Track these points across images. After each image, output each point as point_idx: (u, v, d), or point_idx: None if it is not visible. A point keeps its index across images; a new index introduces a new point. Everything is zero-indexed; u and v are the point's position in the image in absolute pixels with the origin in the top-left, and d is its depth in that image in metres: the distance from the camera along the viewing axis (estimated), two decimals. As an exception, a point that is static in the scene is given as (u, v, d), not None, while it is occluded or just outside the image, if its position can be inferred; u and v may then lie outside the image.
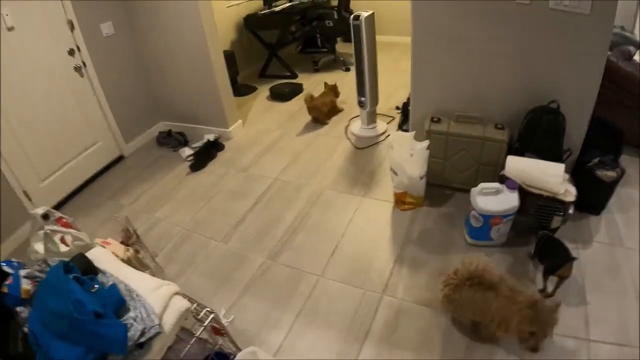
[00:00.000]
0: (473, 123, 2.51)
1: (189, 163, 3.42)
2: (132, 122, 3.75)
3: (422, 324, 1.93)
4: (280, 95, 4.56)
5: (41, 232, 1.82)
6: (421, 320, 1.95)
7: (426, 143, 2.42)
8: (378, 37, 3.22)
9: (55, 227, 1.78)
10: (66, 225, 1.93)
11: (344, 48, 5.85)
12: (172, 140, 3.76)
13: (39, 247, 1.78)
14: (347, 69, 5.22)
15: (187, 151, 3.56)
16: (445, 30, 2.43)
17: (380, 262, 2.28)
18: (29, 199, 2.83)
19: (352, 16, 3.05)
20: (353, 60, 5.44)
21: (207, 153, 3.49)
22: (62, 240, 1.82)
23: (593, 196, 2.37)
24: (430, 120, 2.58)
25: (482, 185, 2.19)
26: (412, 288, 2.11)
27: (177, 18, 3.28)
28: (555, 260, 1.90)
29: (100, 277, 1.47)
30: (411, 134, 2.53)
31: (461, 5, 2.31)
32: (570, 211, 2.13)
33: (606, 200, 2.42)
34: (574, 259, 1.86)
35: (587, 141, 2.46)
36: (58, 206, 3.05)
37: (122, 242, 2.17)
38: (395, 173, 2.52)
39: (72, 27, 3.03)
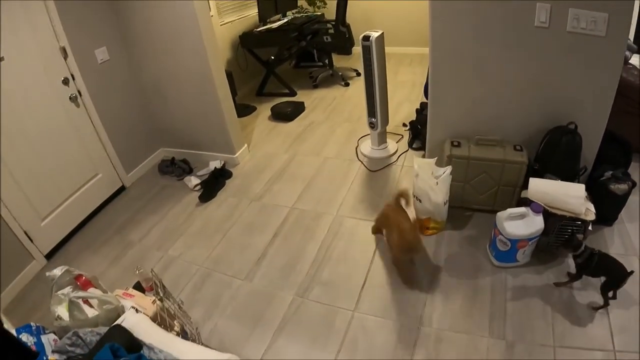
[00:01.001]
0: (493, 145, 2.50)
1: (196, 193, 3.34)
2: (132, 151, 3.66)
3: (461, 352, 1.91)
4: (283, 115, 4.49)
5: (61, 293, 1.73)
6: (460, 348, 1.93)
7: (449, 169, 2.40)
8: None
9: (80, 294, 1.67)
10: (87, 283, 1.83)
11: (339, 61, 5.83)
12: (175, 169, 3.67)
13: (62, 311, 1.68)
14: (347, 84, 5.20)
15: (193, 180, 3.47)
16: (465, 53, 2.43)
17: (412, 292, 2.24)
18: (31, 240, 2.72)
19: (361, 37, 3.01)
20: (352, 74, 5.57)
21: (216, 182, 3.40)
22: (86, 302, 1.74)
23: (606, 209, 2.39)
24: (450, 145, 2.56)
25: (509, 210, 2.19)
26: (446, 316, 2.09)
27: (175, 39, 3.16)
28: (616, 274, 1.91)
29: (146, 352, 1.37)
30: (433, 160, 2.51)
31: (481, 28, 2.32)
32: (590, 228, 2.17)
33: (618, 212, 2.47)
34: (631, 272, 1.87)
35: (598, 155, 2.51)
36: (61, 244, 2.96)
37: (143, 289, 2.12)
38: (419, 200, 2.49)
39: (65, 55, 2.91)
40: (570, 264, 2.22)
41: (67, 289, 1.79)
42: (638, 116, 2.84)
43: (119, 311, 1.70)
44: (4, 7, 2.47)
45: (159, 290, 1.90)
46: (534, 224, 2.12)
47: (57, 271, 1.80)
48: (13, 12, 2.54)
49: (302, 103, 4.72)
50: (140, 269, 2.10)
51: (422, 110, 3.74)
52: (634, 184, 2.35)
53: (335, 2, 4.94)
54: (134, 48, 3.40)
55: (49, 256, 2.87)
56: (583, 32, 2.12)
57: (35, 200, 2.77)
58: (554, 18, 2.14)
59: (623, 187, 2.33)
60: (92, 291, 1.79)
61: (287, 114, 4.47)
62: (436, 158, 2.55)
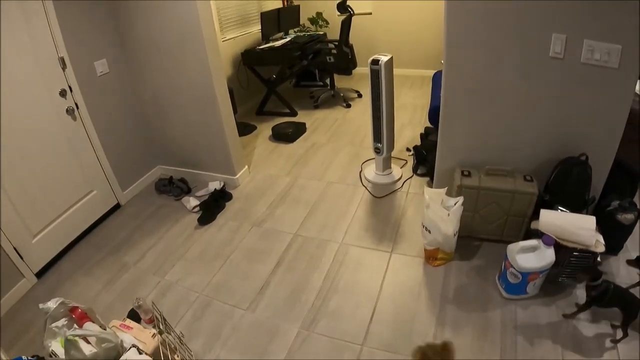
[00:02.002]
0: (503, 175, 2.47)
1: (195, 215, 3.25)
2: (128, 168, 3.57)
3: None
4: (284, 136, 4.42)
5: (55, 326, 1.65)
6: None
7: (461, 200, 2.35)
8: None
9: (77, 332, 1.57)
10: (83, 316, 1.73)
11: (340, 82, 5.82)
12: (173, 188, 3.59)
13: (56, 347, 1.59)
14: (348, 105, 5.16)
15: (192, 201, 3.38)
16: (479, 81, 2.40)
17: (422, 325, 2.17)
18: (21, 257, 2.61)
19: (370, 60, 2.97)
20: (353, 95, 5.55)
21: (215, 204, 3.31)
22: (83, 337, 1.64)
23: (613, 238, 2.37)
24: (461, 174, 2.52)
25: (521, 243, 2.17)
26: (458, 351, 1.96)
27: (178, 51, 3.09)
28: (633, 308, 1.89)
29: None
30: (443, 190, 2.46)
31: (496, 58, 2.30)
32: (599, 259, 2.18)
33: (624, 241, 2.47)
34: None
35: (605, 184, 2.50)
36: (53, 262, 2.86)
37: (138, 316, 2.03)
38: (429, 231, 2.43)
39: (64, 65, 2.84)
40: (579, 295, 2.21)
41: (62, 321, 1.71)
42: (635, 142, 2.78)
43: (119, 349, 1.61)
44: (3, 10, 2.40)
45: (160, 324, 1.81)
46: (545, 256, 2.09)
47: (52, 304, 1.70)
48: (13, 17, 2.47)
49: (304, 124, 4.66)
50: (140, 300, 2.02)
51: (427, 136, 3.71)
52: None
53: (339, 22, 4.93)
54: (134, 61, 3.33)
55: (40, 274, 2.77)
56: (597, 63, 2.11)
57: (27, 215, 2.67)
58: (568, 49, 2.13)
59: (630, 217, 2.31)
60: (89, 326, 1.69)
61: (288, 134, 4.41)
62: (446, 188, 2.50)
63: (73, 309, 1.76)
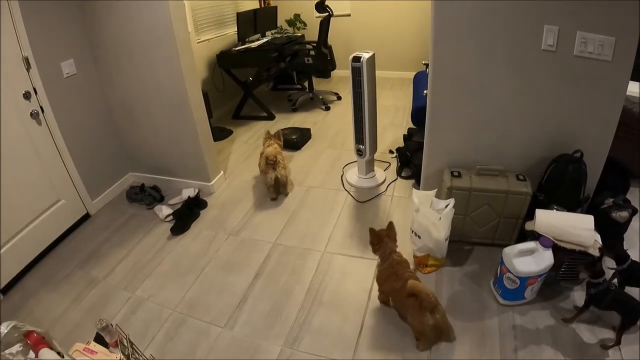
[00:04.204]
0: (495, 175, 2.35)
1: (168, 224, 3.05)
2: (98, 175, 3.36)
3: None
4: (289, 143, 4.07)
5: (9, 353, 1.47)
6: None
7: (452, 202, 2.21)
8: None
9: None
10: (38, 342, 1.54)
11: (319, 84, 5.71)
12: (145, 196, 3.37)
13: (9, 374, 1.41)
14: (327, 108, 5.03)
15: (164, 210, 3.18)
16: (467, 77, 2.29)
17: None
18: None
19: (351, 57, 2.82)
20: (332, 97, 5.42)
21: (189, 212, 3.11)
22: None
23: (607, 236, 2.26)
24: (450, 175, 2.38)
25: (518, 246, 2.05)
26: None
27: (149, 52, 2.91)
28: (634, 313, 1.82)
29: None
30: (432, 192, 2.33)
31: (486, 52, 2.18)
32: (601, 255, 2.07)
33: (619, 239, 2.38)
34: None
35: (598, 181, 2.45)
36: (18, 278, 2.63)
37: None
38: (418, 236, 2.28)
39: (28, 66, 2.63)
40: (577, 298, 2.14)
41: (17, 347, 1.53)
42: (630, 141, 2.83)
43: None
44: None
45: (126, 348, 1.62)
46: (543, 259, 1.98)
47: (3, 328, 1.51)
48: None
49: (309, 130, 4.38)
50: (103, 322, 1.82)
51: (410, 137, 3.59)
52: (634, 211, 2.28)
53: (317, 24, 4.81)
54: (103, 62, 3.14)
55: (4, 291, 2.55)
56: (590, 56, 2.05)
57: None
58: (561, 41, 2.05)
59: (624, 214, 2.25)
60: (45, 354, 1.50)
61: (294, 142, 4.11)
62: (436, 190, 2.37)
63: (28, 334, 1.59)
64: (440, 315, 1.87)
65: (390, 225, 2.15)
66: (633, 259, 1.98)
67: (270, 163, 3.12)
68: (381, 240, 2.11)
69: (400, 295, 1.92)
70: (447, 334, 2.00)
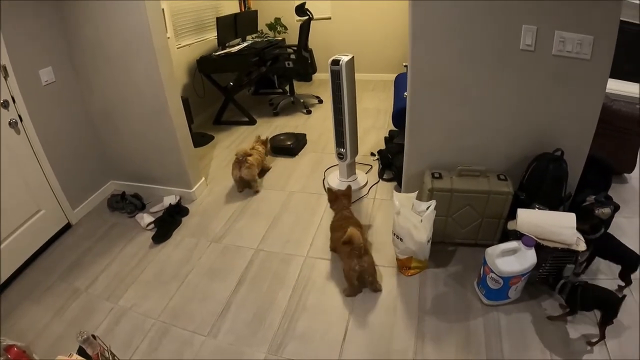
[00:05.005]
0: (476, 176, 2.36)
1: (150, 232, 3.01)
2: (79, 184, 3.30)
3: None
4: (285, 149, 4.06)
5: None
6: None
7: (433, 204, 2.21)
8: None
9: None
10: (19, 356, 1.53)
11: (300, 88, 5.70)
12: (127, 205, 3.33)
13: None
14: (309, 111, 5.02)
15: (145, 218, 3.14)
16: (446, 78, 2.30)
17: (400, 341, 2.01)
18: None
19: (330, 60, 2.82)
20: (314, 101, 5.42)
21: (171, 220, 3.07)
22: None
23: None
24: (431, 177, 2.39)
25: (501, 246, 2.05)
26: None
27: (127, 59, 2.87)
28: (610, 306, 1.83)
29: None
30: (414, 194, 2.33)
31: (465, 52, 2.19)
32: (580, 258, 2.14)
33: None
34: (623, 297, 1.81)
35: (579, 179, 2.48)
36: (0, 291, 2.56)
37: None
38: (400, 239, 2.27)
39: (5, 74, 2.58)
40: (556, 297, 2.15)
41: None
42: (609, 138, 2.88)
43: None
44: None
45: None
46: (526, 258, 1.99)
47: (-16, 343, 1.49)
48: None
49: (304, 135, 4.32)
50: (84, 334, 1.78)
51: (391, 139, 3.60)
52: (616, 208, 2.31)
53: (298, 27, 4.79)
54: (82, 69, 3.09)
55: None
56: (569, 55, 2.07)
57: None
58: (539, 41, 2.07)
59: (607, 211, 2.26)
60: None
61: (289, 148, 4.05)
62: (417, 192, 2.38)
63: (8, 348, 1.58)
64: (367, 264, 2.16)
65: (348, 187, 2.71)
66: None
67: (237, 160, 3.31)
68: (337, 198, 2.63)
69: (340, 243, 2.21)
70: (371, 282, 2.25)
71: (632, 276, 2.13)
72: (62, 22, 2.92)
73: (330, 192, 2.68)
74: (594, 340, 1.88)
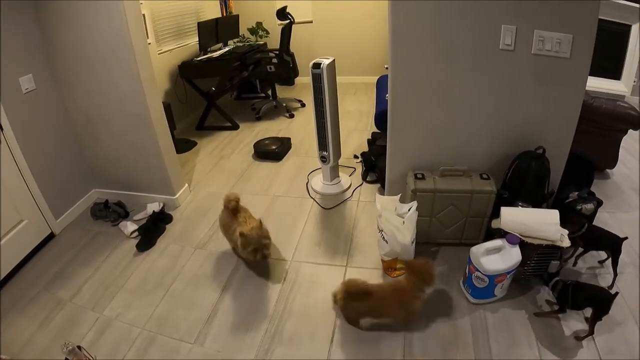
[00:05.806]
0: (459, 176, 2.39)
1: (134, 240, 2.97)
2: (61, 193, 3.24)
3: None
4: (270, 154, 4.04)
5: None
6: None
7: (414, 205, 2.23)
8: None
9: None
10: None
11: (282, 92, 5.70)
12: (110, 213, 3.28)
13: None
14: (292, 115, 5.01)
15: (129, 226, 3.10)
16: (427, 79, 2.32)
17: (388, 341, 2.02)
18: None
19: (311, 64, 2.82)
20: (296, 105, 5.41)
21: (155, 227, 3.04)
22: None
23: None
24: (414, 178, 2.40)
25: (485, 245, 2.07)
26: None
27: (107, 66, 2.84)
28: (602, 303, 1.85)
29: None
30: (396, 197, 2.35)
31: (445, 53, 2.22)
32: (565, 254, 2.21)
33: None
34: (616, 293, 1.83)
35: (561, 176, 2.51)
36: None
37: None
38: (386, 241, 2.28)
39: None
40: (547, 292, 2.18)
41: None
42: (591, 134, 2.94)
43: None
44: None
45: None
46: (511, 256, 2.01)
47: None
48: None
49: (289, 138, 4.30)
50: (69, 345, 1.76)
51: (374, 141, 3.61)
52: (599, 203, 2.35)
53: (279, 31, 4.79)
54: (63, 76, 3.04)
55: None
56: (548, 54, 2.10)
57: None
58: (519, 40, 2.10)
59: (590, 207, 2.32)
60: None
61: (275, 152, 4.03)
62: (400, 195, 2.39)
63: None
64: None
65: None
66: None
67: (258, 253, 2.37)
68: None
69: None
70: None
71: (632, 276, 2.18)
72: (42, 29, 2.88)
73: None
74: (583, 335, 1.90)
